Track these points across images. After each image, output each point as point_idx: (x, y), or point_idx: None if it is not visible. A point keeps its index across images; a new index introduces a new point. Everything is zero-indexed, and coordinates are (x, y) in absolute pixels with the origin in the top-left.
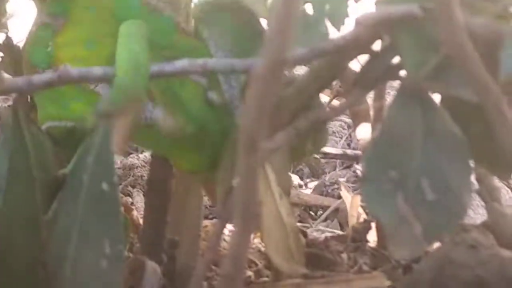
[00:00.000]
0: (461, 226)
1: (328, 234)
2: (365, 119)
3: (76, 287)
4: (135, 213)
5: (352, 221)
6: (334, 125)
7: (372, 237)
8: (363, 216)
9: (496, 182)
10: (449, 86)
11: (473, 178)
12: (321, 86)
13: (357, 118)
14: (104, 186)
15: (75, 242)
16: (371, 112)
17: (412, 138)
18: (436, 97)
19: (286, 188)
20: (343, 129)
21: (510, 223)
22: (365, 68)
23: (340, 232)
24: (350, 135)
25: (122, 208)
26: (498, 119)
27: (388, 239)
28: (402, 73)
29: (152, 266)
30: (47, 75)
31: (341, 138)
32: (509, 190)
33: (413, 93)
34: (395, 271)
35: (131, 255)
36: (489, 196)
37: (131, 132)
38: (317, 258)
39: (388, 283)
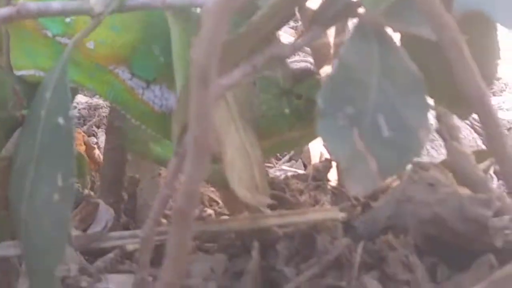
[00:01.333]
0: (420, 165)
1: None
2: (326, 56)
3: (31, 221)
4: (97, 151)
5: (315, 160)
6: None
7: (333, 176)
8: (327, 156)
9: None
10: (407, 24)
11: (432, 117)
12: (279, 23)
13: (318, 56)
14: (60, 120)
15: (31, 177)
16: (332, 50)
17: (369, 75)
18: (396, 36)
19: (250, 120)
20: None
21: (470, 162)
22: (324, 5)
23: (302, 171)
24: None
25: (76, 143)
26: (455, 56)
27: (344, 174)
28: (361, 10)
29: (105, 206)
30: (6, 10)
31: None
32: (472, 130)
33: (370, 30)
34: (354, 208)
35: (92, 193)
36: (449, 135)
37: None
38: (277, 198)
39: (342, 215)
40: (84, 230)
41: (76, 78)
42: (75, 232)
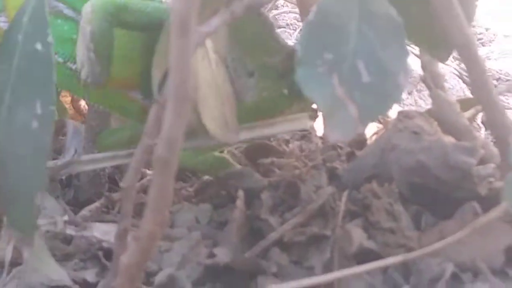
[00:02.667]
0: (405, 113)
1: None
2: (311, 6)
3: (9, 148)
4: (82, 103)
5: None
6: (288, 18)
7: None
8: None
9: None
10: None
11: (417, 65)
12: None
13: (304, 6)
14: (38, 46)
15: (7, 103)
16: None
17: (348, 20)
18: None
19: (223, 55)
20: (298, 21)
21: (454, 110)
22: None
23: None
24: None
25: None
26: (443, 3)
27: (323, 121)
28: None
29: (74, 126)
30: None
31: (295, 30)
32: (460, 80)
33: None
34: (339, 158)
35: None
36: (434, 84)
37: None
38: (263, 147)
39: (311, 123)
40: (53, 151)
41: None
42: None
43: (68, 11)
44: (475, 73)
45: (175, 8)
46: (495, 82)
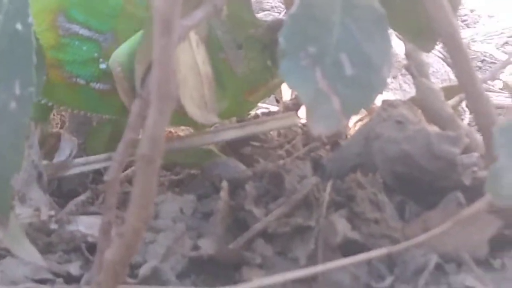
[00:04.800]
0: (389, 102)
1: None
2: None
3: None
4: None
5: (286, 95)
6: (273, 0)
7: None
8: None
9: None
10: None
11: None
12: None
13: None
14: (18, 26)
15: None
16: None
17: (331, 12)
18: None
19: (203, 35)
20: (282, 4)
21: (438, 98)
22: None
23: (275, 108)
24: None
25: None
26: None
27: (307, 114)
28: None
29: (68, 136)
30: None
31: (279, 13)
32: (444, 64)
33: None
34: (323, 147)
35: (61, 131)
36: (418, 72)
37: None
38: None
39: (300, 120)
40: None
41: None
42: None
43: (83, 31)
44: (459, 63)
45: (158, 6)
46: (479, 64)
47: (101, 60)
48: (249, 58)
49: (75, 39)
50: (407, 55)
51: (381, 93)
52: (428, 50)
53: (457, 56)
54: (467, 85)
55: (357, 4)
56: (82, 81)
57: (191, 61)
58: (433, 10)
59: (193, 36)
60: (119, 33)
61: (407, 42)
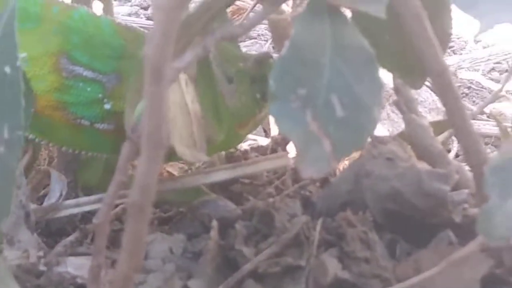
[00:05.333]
0: (379, 139)
1: (250, 142)
2: (285, 30)
3: None
4: None
5: (274, 130)
6: (259, 28)
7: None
8: None
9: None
10: (357, 2)
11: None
12: (228, 2)
13: (276, 30)
14: (7, 69)
15: None
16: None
17: (321, 54)
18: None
19: (192, 75)
20: (269, 31)
21: (428, 135)
22: None
23: (263, 139)
24: None
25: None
26: (418, 31)
27: (297, 157)
28: None
29: (57, 175)
30: None
31: (267, 41)
32: (432, 93)
33: (322, 8)
34: (313, 183)
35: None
36: (407, 107)
37: None
38: None
39: (292, 161)
40: (37, 199)
41: None
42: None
43: (87, 73)
44: (449, 101)
45: (148, 55)
46: (466, 90)
47: (105, 100)
48: (239, 91)
49: (79, 80)
50: (396, 90)
51: (372, 133)
52: (418, 87)
53: (447, 94)
54: (457, 123)
55: (347, 45)
56: (86, 122)
57: (180, 100)
58: (422, 48)
59: (182, 75)
60: (123, 73)
61: (396, 77)
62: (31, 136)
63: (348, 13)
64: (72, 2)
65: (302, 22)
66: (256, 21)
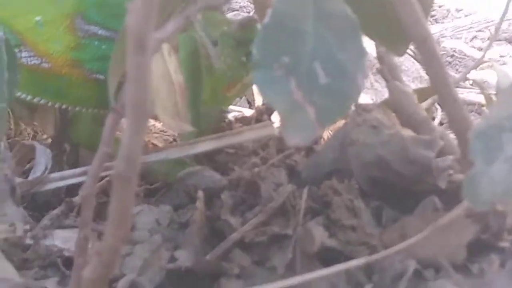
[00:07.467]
0: (363, 106)
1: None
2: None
3: None
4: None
5: (258, 100)
6: (242, 0)
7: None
8: None
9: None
10: None
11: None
12: None
13: (259, 6)
14: None
15: None
16: None
17: (304, 21)
18: None
19: (174, 44)
20: (251, 3)
21: (412, 102)
22: None
23: (247, 110)
24: None
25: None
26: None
27: (281, 125)
28: None
29: (41, 147)
30: None
31: (249, 13)
32: (415, 62)
33: None
34: (298, 153)
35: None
36: (390, 74)
37: None
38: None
39: (277, 130)
40: (22, 173)
41: None
42: (17, 180)
43: (102, 31)
44: (433, 68)
45: (131, 25)
46: (449, 59)
47: None
48: (224, 54)
49: (95, 39)
50: (379, 58)
51: (356, 101)
52: (401, 54)
53: (430, 60)
54: (441, 90)
55: (330, 12)
56: (102, 77)
57: (163, 70)
58: (405, 14)
59: (165, 45)
60: None
61: (378, 45)
62: (42, 101)
63: None
64: None
65: None
66: None
